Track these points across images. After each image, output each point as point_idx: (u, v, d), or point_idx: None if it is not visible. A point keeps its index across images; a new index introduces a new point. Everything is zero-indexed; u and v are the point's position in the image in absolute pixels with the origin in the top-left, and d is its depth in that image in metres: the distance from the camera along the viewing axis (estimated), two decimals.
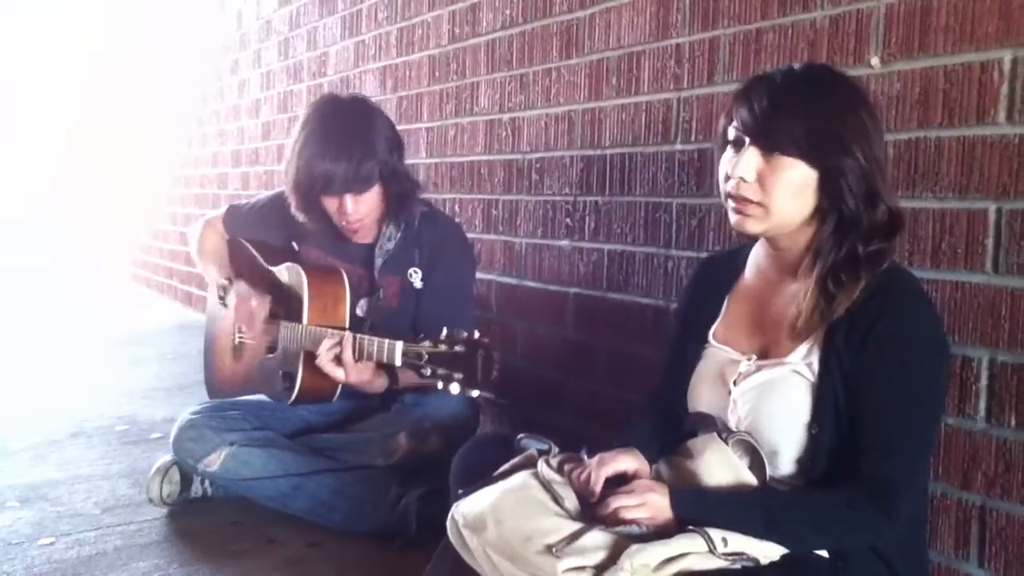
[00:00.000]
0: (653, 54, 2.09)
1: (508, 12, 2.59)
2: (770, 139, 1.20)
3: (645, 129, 2.12)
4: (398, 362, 1.73)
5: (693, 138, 1.99)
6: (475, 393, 1.60)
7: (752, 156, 1.22)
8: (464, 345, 1.60)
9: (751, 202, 1.23)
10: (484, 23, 2.70)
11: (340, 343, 1.87)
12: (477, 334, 1.59)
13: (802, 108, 1.20)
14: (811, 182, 1.21)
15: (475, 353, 1.59)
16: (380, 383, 2.01)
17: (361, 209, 2.05)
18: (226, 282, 2.25)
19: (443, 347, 1.62)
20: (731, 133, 1.26)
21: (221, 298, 2.25)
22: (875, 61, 1.58)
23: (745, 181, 1.22)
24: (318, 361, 1.88)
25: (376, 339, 1.81)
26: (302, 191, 2.04)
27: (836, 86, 1.26)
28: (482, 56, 2.72)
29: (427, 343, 1.65)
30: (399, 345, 1.73)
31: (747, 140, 1.22)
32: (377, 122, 2.08)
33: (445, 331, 1.63)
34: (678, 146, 2.03)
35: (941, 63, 1.48)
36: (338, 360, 1.87)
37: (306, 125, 2.05)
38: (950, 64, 1.47)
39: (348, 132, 2.01)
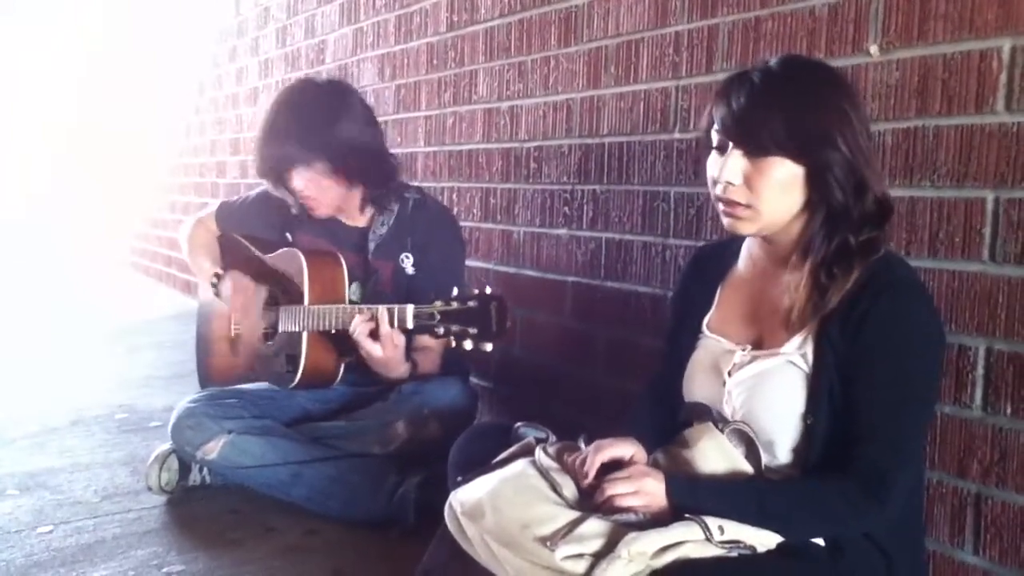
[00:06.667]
0: (652, 42, 2.08)
1: (506, 0, 2.58)
2: (752, 141, 1.20)
3: (643, 118, 2.11)
4: (410, 324, 1.75)
5: (691, 127, 1.98)
6: (489, 347, 1.61)
7: (737, 159, 1.21)
8: (476, 300, 1.61)
9: (740, 205, 1.22)
10: (482, 11, 2.69)
11: (374, 317, 1.86)
12: (488, 289, 1.61)
13: (781, 105, 1.19)
14: (798, 178, 1.20)
15: (488, 306, 1.60)
16: (404, 368, 2.01)
17: (306, 185, 2.08)
18: (220, 273, 2.24)
19: (455, 304, 1.64)
20: (714, 138, 1.25)
21: (214, 286, 2.24)
22: (874, 49, 1.58)
23: (732, 184, 1.22)
24: (355, 336, 1.88)
25: (386, 306, 1.83)
26: (260, 174, 2.16)
27: (814, 78, 1.24)
28: (480, 44, 2.71)
29: (439, 303, 1.66)
30: (410, 308, 1.75)
31: (730, 144, 1.22)
32: (324, 104, 2.07)
33: (456, 290, 1.65)
34: (676, 135, 2.03)
35: (940, 51, 1.48)
36: (374, 335, 1.87)
37: None
38: (949, 52, 1.47)
39: (279, 114, 2.07)
